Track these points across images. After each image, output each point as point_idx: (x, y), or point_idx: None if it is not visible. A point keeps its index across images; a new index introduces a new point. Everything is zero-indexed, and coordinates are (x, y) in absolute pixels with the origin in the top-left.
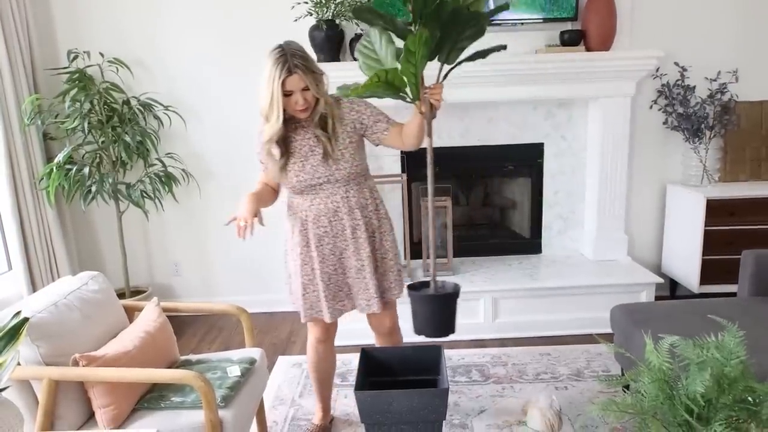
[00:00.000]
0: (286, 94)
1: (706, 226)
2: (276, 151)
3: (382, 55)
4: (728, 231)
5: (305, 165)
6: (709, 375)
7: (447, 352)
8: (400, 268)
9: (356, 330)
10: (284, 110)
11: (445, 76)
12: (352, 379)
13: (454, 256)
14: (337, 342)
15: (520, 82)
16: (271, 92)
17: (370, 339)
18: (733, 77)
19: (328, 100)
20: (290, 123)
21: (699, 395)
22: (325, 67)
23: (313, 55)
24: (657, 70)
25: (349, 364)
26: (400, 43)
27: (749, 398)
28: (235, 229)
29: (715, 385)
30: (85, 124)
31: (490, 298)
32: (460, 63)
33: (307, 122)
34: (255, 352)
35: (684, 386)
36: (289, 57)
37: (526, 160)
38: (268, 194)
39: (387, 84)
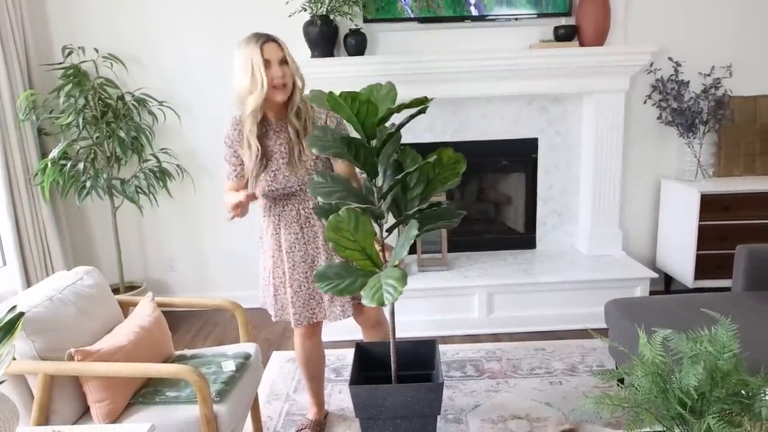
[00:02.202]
0: (265, 66)
1: (700, 220)
2: (254, 143)
3: (358, 238)
4: (722, 226)
5: (277, 175)
6: (702, 368)
7: (441, 347)
8: None
9: (350, 325)
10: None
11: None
12: (347, 374)
13: (449, 252)
14: (332, 337)
15: (514, 78)
16: (251, 64)
17: None
18: (727, 72)
19: (304, 96)
20: (263, 126)
21: (692, 388)
22: (319, 62)
23: (305, 51)
24: (651, 65)
25: (343, 359)
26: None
27: (742, 391)
28: (233, 212)
29: (708, 379)
30: (80, 120)
31: (485, 293)
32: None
33: (279, 124)
34: (250, 347)
35: (677, 380)
36: (261, 33)
37: (521, 155)
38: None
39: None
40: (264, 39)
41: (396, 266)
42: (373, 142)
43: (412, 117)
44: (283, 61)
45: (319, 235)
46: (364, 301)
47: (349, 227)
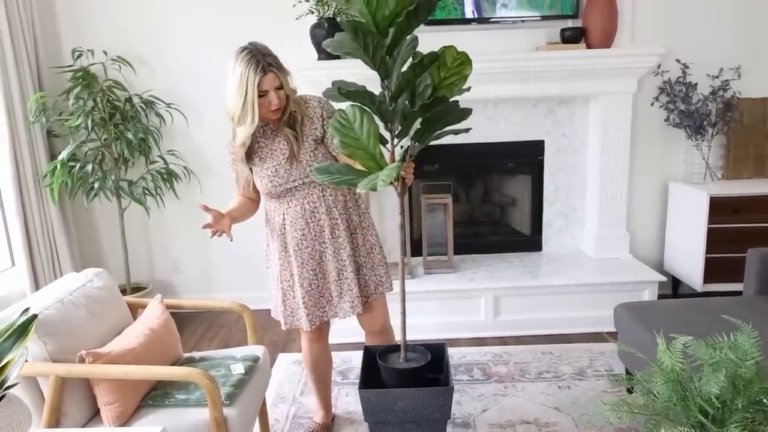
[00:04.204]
0: (261, 95)
1: (709, 223)
2: (245, 167)
3: (361, 135)
4: (732, 229)
5: (279, 169)
6: (724, 376)
7: (448, 350)
8: (386, 261)
9: (355, 327)
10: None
11: (415, 155)
12: (353, 376)
13: (455, 254)
14: (337, 339)
15: (520, 80)
16: (244, 93)
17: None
18: (735, 74)
19: (297, 98)
20: (258, 127)
21: (713, 396)
22: (325, 64)
23: (312, 54)
24: (658, 67)
25: (349, 361)
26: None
27: (765, 400)
28: (208, 232)
29: (730, 387)
30: (89, 122)
31: (491, 295)
32: (429, 141)
33: (275, 124)
34: (258, 350)
35: (697, 387)
36: (260, 57)
37: (527, 157)
38: (247, 206)
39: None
40: (262, 73)
41: (401, 161)
42: (386, 41)
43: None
44: (279, 87)
45: (325, 228)
46: (358, 188)
47: (354, 124)
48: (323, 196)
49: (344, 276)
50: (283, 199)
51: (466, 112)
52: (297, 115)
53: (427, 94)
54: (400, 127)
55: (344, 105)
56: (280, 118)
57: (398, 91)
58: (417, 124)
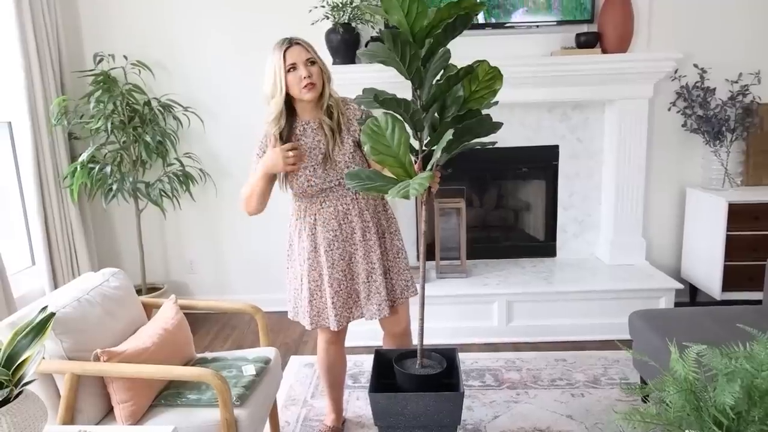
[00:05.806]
0: (290, 70)
1: (728, 231)
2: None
3: (392, 143)
4: (752, 236)
5: (317, 169)
6: (740, 387)
7: (459, 355)
8: (409, 265)
9: (368, 331)
10: (289, 94)
11: (443, 165)
12: (364, 380)
13: (468, 258)
14: (349, 343)
15: (535, 85)
16: (274, 69)
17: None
18: (755, 79)
19: (334, 94)
20: (299, 124)
21: (728, 407)
22: (340, 69)
23: (327, 58)
24: (675, 71)
25: (360, 365)
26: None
27: None
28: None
29: (745, 398)
30: (108, 125)
31: (504, 301)
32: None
33: (316, 122)
34: (269, 352)
35: (711, 397)
36: (287, 38)
37: (541, 162)
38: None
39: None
40: (287, 45)
41: (431, 170)
42: (422, 52)
43: (458, 24)
44: (311, 62)
45: (357, 231)
46: (388, 196)
47: (386, 132)
48: (356, 198)
49: (373, 279)
50: (315, 199)
51: (497, 126)
52: (334, 110)
53: (457, 106)
54: (428, 137)
55: (376, 112)
56: (319, 103)
57: (430, 101)
58: (448, 135)
